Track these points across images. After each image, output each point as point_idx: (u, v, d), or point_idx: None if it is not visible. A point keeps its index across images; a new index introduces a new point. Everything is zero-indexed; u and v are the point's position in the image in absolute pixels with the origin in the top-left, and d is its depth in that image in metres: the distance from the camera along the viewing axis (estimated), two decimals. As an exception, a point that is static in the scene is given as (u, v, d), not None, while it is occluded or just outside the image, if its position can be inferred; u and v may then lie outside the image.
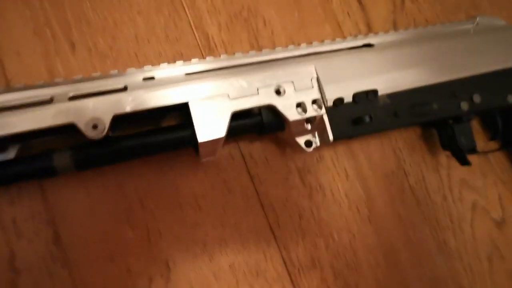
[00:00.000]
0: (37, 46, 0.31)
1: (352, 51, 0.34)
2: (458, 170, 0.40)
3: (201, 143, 0.27)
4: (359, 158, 0.37)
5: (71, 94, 0.26)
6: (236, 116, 0.29)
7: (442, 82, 0.35)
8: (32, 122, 0.24)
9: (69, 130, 0.26)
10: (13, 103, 0.25)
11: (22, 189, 0.28)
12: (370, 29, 0.40)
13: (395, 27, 0.41)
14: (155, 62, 0.31)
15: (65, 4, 0.32)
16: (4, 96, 0.25)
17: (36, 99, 0.25)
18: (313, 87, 0.31)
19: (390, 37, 0.36)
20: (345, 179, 0.36)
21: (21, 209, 0.28)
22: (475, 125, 0.41)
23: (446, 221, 0.39)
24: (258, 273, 0.32)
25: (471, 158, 0.37)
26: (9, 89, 0.26)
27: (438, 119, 0.35)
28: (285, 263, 0.33)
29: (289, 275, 0.33)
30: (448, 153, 0.39)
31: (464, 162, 0.37)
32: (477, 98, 0.36)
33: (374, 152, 0.38)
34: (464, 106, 0.35)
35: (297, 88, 0.30)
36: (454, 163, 0.38)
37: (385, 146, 0.39)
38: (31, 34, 0.31)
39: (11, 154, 0.27)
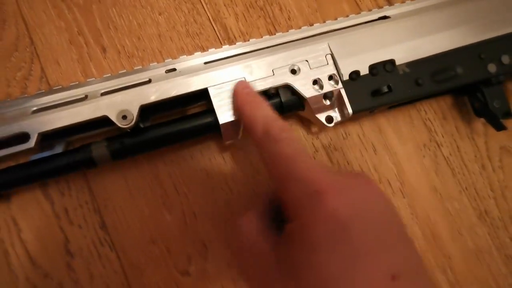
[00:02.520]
0: (73, 53, 0.34)
1: (367, 24, 0.34)
2: (497, 137, 0.39)
3: (222, 124, 0.29)
4: (387, 132, 0.37)
5: (102, 91, 0.29)
6: (256, 99, 0.31)
7: (465, 46, 0.34)
8: (71, 118, 0.27)
9: (104, 124, 0.29)
10: (54, 103, 0.28)
11: (70, 182, 0.32)
12: (389, 3, 0.40)
13: (415, -3, 0.40)
14: (178, 57, 0.33)
15: (94, 13, 0.35)
16: (47, 98, 0.29)
17: (73, 98, 0.28)
18: (328, 63, 0.31)
19: (407, 7, 0.36)
20: (373, 154, 0.36)
21: (71, 200, 0.31)
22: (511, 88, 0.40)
23: (487, 190, 0.38)
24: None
25: (510, 123, 0.36)
26: (50, 91, 0.29)
27: (465, 84, 0.34)
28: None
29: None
30: (484, 120, 0.38)
31: (499, 127, 0.35)
32: (505, 59, 0.34)
33: (402, 126, 0.38)
34: (492, 68, 0.34)
35: (312, 66, 0.31)
36: (492, 130, 0.37)
37: (414, 118, 0.38)
38: (67, 43, 0.34)
39: (58, 150, 0.30)
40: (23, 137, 0.27)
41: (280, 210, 0.25)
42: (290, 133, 0.24)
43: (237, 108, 0.28)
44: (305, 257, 0.19)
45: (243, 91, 0.28)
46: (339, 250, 0.19)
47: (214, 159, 0.34)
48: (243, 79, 0.30)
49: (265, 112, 0.25)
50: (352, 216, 0.19)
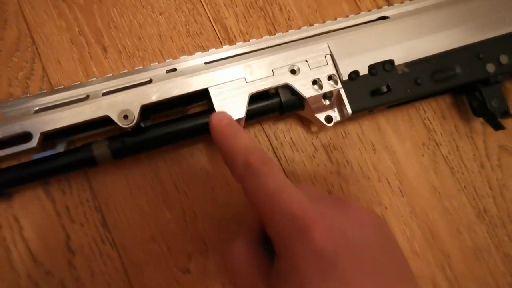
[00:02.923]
0: (74, 53, 0.34)
1: (366, 25, 0.34)
2: (495, 136, 0.39)
3: (222, 124, 0.29)
4: (386, 131, 0.37)
5: (103, 91, 0.29)
6: (257, 99, 0.31)
7: (463, 46, 0.34)
8: (73, 118, 0.28)
9: (105, 123, 0.29)
10: (56, 103, 0.28)
11: (71, 181, 0.32)
12: (389, 3, 0.40)
13: (414, -3, 0.41)
14: (178, 56, 0.34)
15: (95, 13, 0.35)
16: (49, 98, 0.29)
17: (74, 98, 0.29)
18: (327, 63, 0.32)
19: (406, 7, 0.36)
20: (372, 153, 0.37)
21: (72, 198, 0.32)
22: (511, 88, 0.40)
23: (485, 189, 0.38)
24: (291, 248, 0.33)
25: (508, 122, 0.36)
26: (52, 91, 0.29)
27: (463, 83, 0.34)
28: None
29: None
30: (482, 119, 0.38)
31: (497, 126, 0.36)
32: (504, 59, 0.34)
33: (402, 125, 0.38)
34: (490, 68, 0.34)
35: (312, 66, 0.31)
36: (490, 129, 0.37)
37: (413, 118, 0.38)
38: (68, 43, 0.34)
39: (59, 149, 0.30)
40: (26, 136, 0.27)
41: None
42: (272, 165, 0.22)
43: (215, 142, 0.26)
44: None
45: (220, 123, 0.26)
46: (330, 286, 0.18)
47: (214, 158, 0.34)
48: (243, 79, 0.30)
49: (244, 143, 0.24)
50: (340, 251, 0.19)
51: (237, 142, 0.24)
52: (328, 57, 0.32)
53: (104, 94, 0.29)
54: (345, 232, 0.20)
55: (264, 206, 0.21)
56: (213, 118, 0.26)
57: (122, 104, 0.28)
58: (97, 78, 0.30)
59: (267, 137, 0.35)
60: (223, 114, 0.27)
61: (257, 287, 0.22)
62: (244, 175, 0.22)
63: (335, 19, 0.35)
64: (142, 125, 0.30)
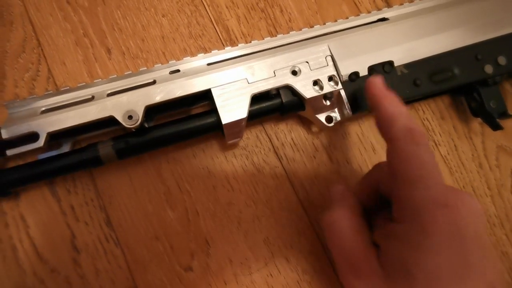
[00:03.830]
0: (78, 54, 0.35)
1: (366, 26, 0.35)
2: (493, 137, 0.39)
3: (225, 124, 0.30)
4: (385, 132, 0.38)
5: (108, 91, 0.29)
6: (258, 99, 0.32)
7: (462, 47, 0.34)
8: (79, 118, 0.28)
9: (110, 124, 0.29)
10: (62, 103, 0.29)
11: (76, 180, 0.33)
12: (388, 5, 0.41)
13: (413, -1, 0.41)
14: (181, 58, 0.34)
15: (99, 16, 0.36)
16: (54, 99, 0.30)
17: (80, 98, 0.29)
18: (328, 64, 0.32)
19: (405, 9, 0.36)
20: (372, 153, 0.37)
21: (77, 197, 0.32)
22: (509, 89, 0.40)
23: (484, 188, 0.38)
24: (292, 246, 0.34)
25: (506, 123, 0.37)
26: (58, 92, 0.30)
27: (462, 84, 0.35)
28: (318, 236, 0.35)
29: (323, 247, 0.34)
30: (481, 120, 0.38)
31: (495, 127, 0.36)
32: (502, 60, 0.35)
33: (401, 125, 0.38)
34: (488, 69, 0.35)
35: (312, 67, 0.32)
36: (489, 130, 0.38)
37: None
38: (73, 45, 0.35)
39: (65, 149, 0.31)
40: (33, 136, 0.28)
41: (368, 207, 0.28)
42: (428, 141, 0.25)
43: (372, 100, 0.27)
44: (419, 258, 0.22)
45: (380, 85, 0.27)
46: (455, 258, 0.21)
47: (216, 158, 0.35)
48: (245, 80, 0.31)
49: (405, 112, 0.25)
50: (469, 231, 0.21)
51: (400, 107, 0.26)
52: (329, 58, 0.32)
53: (109, 95, 0.29)
54: (472, 217, 0.22)
55: (412, 172, 0.23)
56: (372, 80, 0.27)
57: (126, 105, 0.28)
58: (101, 79, 0.31)
59: (268, 137, 0.36)
60: (382, 78, 0.28)
61: (358, 248, 0.25)
62: (401, 138, 0.24)
63: (335, 20, 0.36)
64: (146, 125, 0.31)
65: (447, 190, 0.23)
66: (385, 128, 0.26)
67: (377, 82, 0.27)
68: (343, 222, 0.26)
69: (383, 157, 0.37)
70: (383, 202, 0.28)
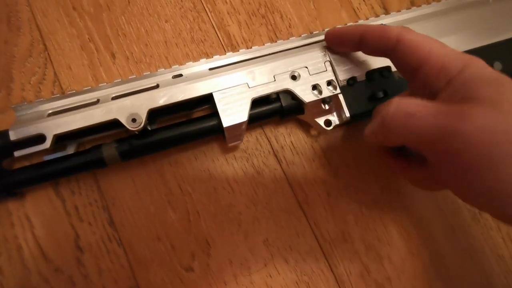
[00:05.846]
0: (84, 59, 0.36)
1: (364, 32, 0.35)
2: (490, 141, 0.40)
3: (226, 127, 0.31)
4: (384, 136, 0.39)
5: (113, 95, 0.30)
6: (258, 103, 0.33)
7: (458, 53, 0.35)
8: (84, 120, 0.29)
9: (114, 126, 0.30)
10: (68, 107, 0.30)
11: (80, 181, 0.33)
12: (386, 12, 0.42)
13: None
14: (183, 62, 0.35)
15: (104, 21, 0.37)
16: (60, 102, 0.30)
17: (85, 102, 0.30)
18: (326, 69, 0.33)
19: (402, 16, 0.37)
20: (370, 157, 0.38)
21: (81, 198, 0.33)
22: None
23: (480, 192, 0.39)
24: (291, 247, 0.35)
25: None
26: (64, 95, 0.31)
27: (458, 89, 0.35)
28: (316, 238, 0.35)
29: (321, 248, 0.35)
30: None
31: (492, 131, 0.37)
32: (498, 66, 0.36)
33: (399, 130, 0.39)
34: (484, 74, 0.35)
35: (312, 72, 0.33)
36: (485, 134, 0.38)
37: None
38: (79, 50, 0.36)
39: (70, 151, 0.32)
40: (40, 138, 0.28)
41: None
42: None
43: (362, 29, 0.30)
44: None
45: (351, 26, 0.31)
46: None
47: (217, 160, 0.35)
48: (246, 84, 0.32)
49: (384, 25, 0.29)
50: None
51: (376, 25, 0.30)
52: (328, 63, 0.33)
53: (113, 99, 0.30)
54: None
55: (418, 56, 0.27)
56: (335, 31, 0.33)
57: (131, 108, 0.29)
58: (106, 83, 0.32)
59: (268, 140, 0.37)
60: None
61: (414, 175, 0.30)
62: (401, 34, 0.27)
63: (335, 27, 0.36)
64: (149, 128, 0.31)
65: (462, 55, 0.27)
66: (381, 44, 0.28)
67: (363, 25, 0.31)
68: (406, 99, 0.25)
69: (381, 160, 0.38)
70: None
